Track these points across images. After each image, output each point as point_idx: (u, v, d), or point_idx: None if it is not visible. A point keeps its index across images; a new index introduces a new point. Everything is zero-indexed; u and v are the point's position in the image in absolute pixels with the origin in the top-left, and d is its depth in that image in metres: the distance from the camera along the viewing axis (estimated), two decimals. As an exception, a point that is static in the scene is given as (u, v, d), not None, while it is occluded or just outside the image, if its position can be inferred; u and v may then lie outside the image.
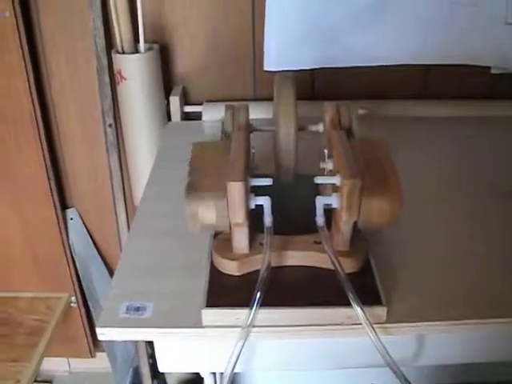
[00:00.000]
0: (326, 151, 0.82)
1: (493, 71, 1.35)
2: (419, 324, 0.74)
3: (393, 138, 1.20)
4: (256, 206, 0.74)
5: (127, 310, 0.76)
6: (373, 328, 0.69)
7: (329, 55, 1.29)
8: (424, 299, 0.78)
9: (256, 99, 1.42)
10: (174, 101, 1.36)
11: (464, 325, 0.75)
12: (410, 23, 1.26)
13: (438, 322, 0.75)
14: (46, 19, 1.34)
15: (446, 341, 0.83)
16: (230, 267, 0.78)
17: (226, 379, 0.72)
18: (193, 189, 0.72)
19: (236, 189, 0.69)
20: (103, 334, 0.74)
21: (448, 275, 0.83)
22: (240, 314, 0.72)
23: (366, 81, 1.40)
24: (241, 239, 0.77)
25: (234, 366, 0.71)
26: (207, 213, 0.71)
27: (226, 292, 0.76)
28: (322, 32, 1.26)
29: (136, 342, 1.60)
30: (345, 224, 0.74)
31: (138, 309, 0.76)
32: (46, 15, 1.34)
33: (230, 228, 0.75)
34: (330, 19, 1.24)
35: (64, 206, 1.58)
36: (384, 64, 1.29)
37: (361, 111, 1.29)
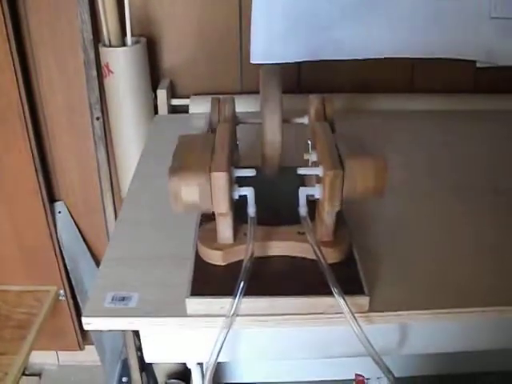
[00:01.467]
0: (309, 142, 0.83)
1: (478, 65, 1.37)
2: (402, 313, 0.75)
3: (378, 131, 1.22)
4: (240, 196, 0.75)
5: (112, 299, 0.76)
6: (354, 317, 0.70)
7: (316, 48, 1.29)
8: (407, 289, 0.79)
9: (243, 92, 1.42)
10: (162, 94, 1.36)
11: (446, 314, 0.76)
12: (397, 17, 1.27)
13: (421, 311, 0.75)
14: (33, 13, 1.34)
15: (429, 330, 0.84)
16: (215, 257, 0.78)
17: (209, 368, 0.72)
18: (176, 169, 0.72)
19: (220, 179, 0.70)
20: (89, 323, 0.75)
21: (431, 265, 0.84)
22: (224, 303, 0.72)
23: (353, 74, 1.41)
24: (225, 229, 0.78)
25: (218, 356, 0.72)
26: (190, 192, 0.71)
27: (210, 281, 0.77)
28: (309, 25, 1.27)
29: (124, 334, 1.60)
30: (328, 214, 0.75)
31: (123, 298, 0.76)
32: (33, 9, 1.34)
33: (214, 215, 0.76)
34: (317, 12, 1.25)
35: (52, 200, 1.58)
36: (371, 57, 1.30)
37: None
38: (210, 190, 0.71)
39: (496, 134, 1.27)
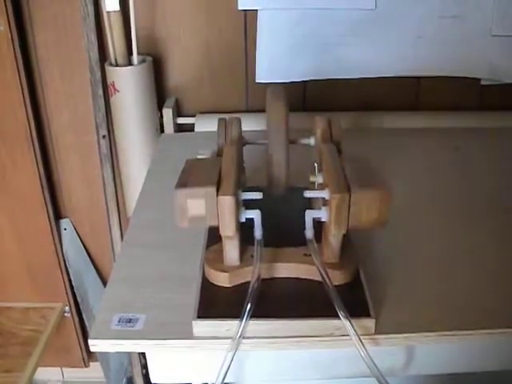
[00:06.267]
0: (315, 165, 0.83)
1: (483, 82, 1.37)
2: (408, 335, 0.75)
3: (383, 149, 1.22)
4: (247, 219, 0.75)
5: (119, 321, 0.76)
6: (360, 340, 0.70)
7: (321, 67, 1.30)
8: (413, 310, 0.79)
9: (249, 111, 1.43)
10: (167, 112, 1.37)
11: (453, 336, 0.76)
12: (401, 36, 1.28)
13: (427, 333, 0.75)
14: (40, 32, 1.35)
15: (435, 351, 0.83)
16: (221, 279, 0.79)
17: (216, 390, 0.73)
18: (182, 183, 0.72)
19: (226, 203, 0.70)
20: (95, 345, 0.75)
21: (438, 286, 0.84)
22: (231, 326, 0.72)
23: (358, 92, 1.41)
24: (232, 251, 0.78)
25: (224, 377, 0.72)
26: (196, 205, 0.71)
27: (217, 303, 0.77)
28: (314, 44, 1.28)
29: (129, 352, 1.60)
30: (334, 237, 0.75)
31: (129, 320, 0.76)
32: (41, 28, 1.35)
33: (221, 238, 0.76)
34: (322, 32, 1.26)
35: (58, 217, 1.59)
36: (375, 76, 1.31)
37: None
38: (216, 205, 0.71)
39: (502, 151, 1.27)
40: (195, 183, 0.72)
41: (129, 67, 1.31)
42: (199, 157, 0.85)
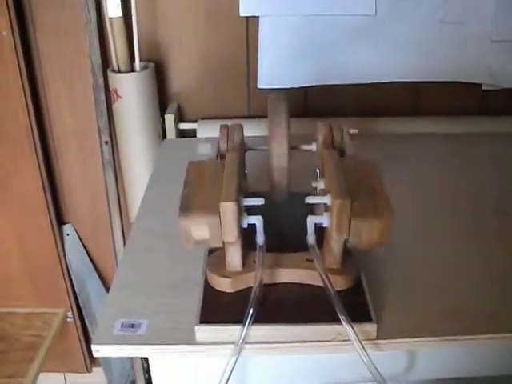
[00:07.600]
0: (317, 170, 0.83)
1: (484, 88, 1.37)
2: (409, 340, 0.75)
3: (384, 155, 1.22)
4: (249, 224, 0.75)
5: (122, 326, 0.77)
6: (362, 345, 0.70)
7: (322, 73, 1.30)
8: (415, 315, 0.79)
9: (251, 116, 1.43)
10: (169, 118, 1.37)
11: (454, 341, 0.76)
12: (401, 42, 1.28)
13: (429, 338, 0.75)
14: (43, 38, 1.36)
15: (437, 355, 0.84)
16: (224, 284, 0.79)
17: (219, 395, 0.73)
18: (186, 207, 0.73)
19: (228, 209, 0.70)
20: (98, 350, 0.75)
21: (439, 291, 0.84)
22: (233, 331, 0.73)
23: (359, 98, 1.42)
24: (234, 257, 0.78)
25: (227, 382, 0.72)
26: (200, 231, 0.72)
27: (219, 309, 0.77)
28: (315, 50, 1.28)
29: (132, 356, 1.60)
30: (335, 242, 0.76)
31: (132, 326, 0.77)
32: (43, 34, 1.35)
33: (223, 243, 0.76)
34: (322, 38, 1.26)
35: (60, 222, 1.59)
36: (376, 81, 1.31)
37: (352, 131, 1.30)
38: (219, 226, 0.72)
39: (502, 156, 1.27)
40: (199, 209, 0.73)
41: (131, 73, 1.31)
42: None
